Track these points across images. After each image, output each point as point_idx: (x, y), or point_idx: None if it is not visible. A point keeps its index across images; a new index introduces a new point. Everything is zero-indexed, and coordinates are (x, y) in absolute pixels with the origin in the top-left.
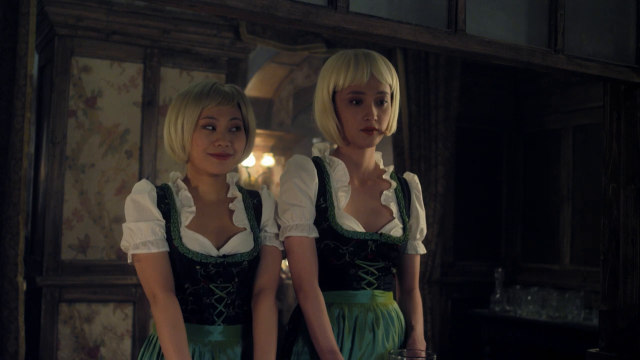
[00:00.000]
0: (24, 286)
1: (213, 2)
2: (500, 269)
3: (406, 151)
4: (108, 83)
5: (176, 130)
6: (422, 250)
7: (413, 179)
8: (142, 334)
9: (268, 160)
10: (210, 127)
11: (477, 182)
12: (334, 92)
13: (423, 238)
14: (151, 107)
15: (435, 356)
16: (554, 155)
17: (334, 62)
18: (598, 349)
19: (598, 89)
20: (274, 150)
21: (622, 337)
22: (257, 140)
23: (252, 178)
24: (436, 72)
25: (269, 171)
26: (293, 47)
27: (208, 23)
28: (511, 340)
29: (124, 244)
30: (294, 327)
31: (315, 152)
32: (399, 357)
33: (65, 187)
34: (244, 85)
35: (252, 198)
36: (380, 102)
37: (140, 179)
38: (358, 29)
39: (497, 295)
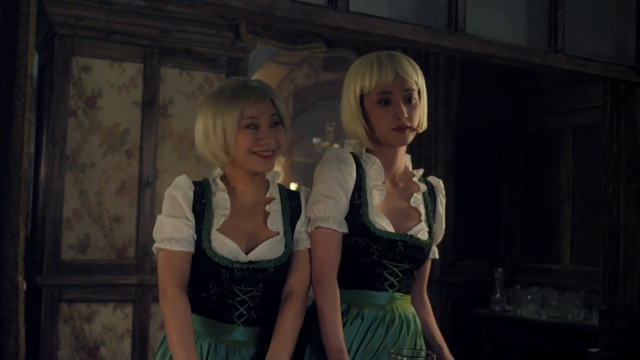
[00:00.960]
0: (24, 286)
1: (213, 1)
2: (500, 269)
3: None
4: (108, 83)
5: (216, 135)
6: (436, 255)
7: (439, 183)
8: (142, 334)
9: None
10: (254, 127)
11: (477, 182)
12: (362, 96)
13: (438, 243)
14: (151, 107)
15: (435, 356)
16: (554, 155)
17: (357, 67)
18: (598, 349)
19: (598, 89)
20: None
21: (622, 337)
22: None
23: None
24: (436, 72)
25: None
26: (293, 47)
27: (208, 23)
28: (511, 340)
29: (154, 235)
30: (302, 333)
31: (350, 148)
32: (399, 357)
33: (65, 187)
34: None
35: (291, 201)
36: (408, 100)
37: (140, 178)
38: (358, 28)
39: (497, 295)
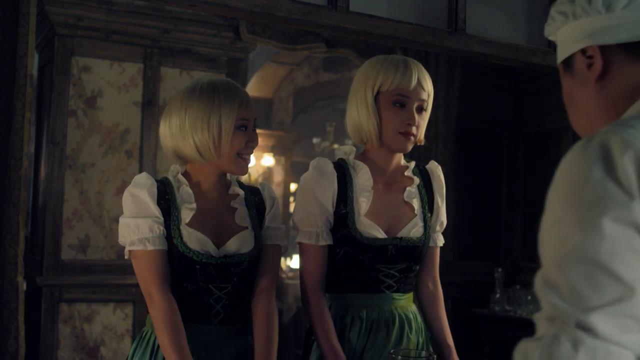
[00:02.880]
0: (24, 286)
1: (213, 1)
2: (500, 269)
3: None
4: (108, 83)
5: (209, 130)
6: (440, 242)
7: (435, 170)
8: None
9: (268, 160)
10: (244, 128)
11: (477, 182)
12: (378, 93)
13: (442, 230)
14: (151, 107)
15: (435, 356)
16: (554, 155)
17: (379, 64)
18: None
19: None
20: (274, 150)
21: None
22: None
23: (252, 178)
24: (436, 72)
25: (269, 171)
26: (293, 47)
27: (208, 23)
28: (511, 340)
29: (121, 239)
30: (305, 353)
31: (340, 154)
32: (399, 357)
33: (65, 187)
34: (244, 85)
35: (254, 196)
36: (420, 110)
37: None
38: (358, 28)
39: (497, 295)
